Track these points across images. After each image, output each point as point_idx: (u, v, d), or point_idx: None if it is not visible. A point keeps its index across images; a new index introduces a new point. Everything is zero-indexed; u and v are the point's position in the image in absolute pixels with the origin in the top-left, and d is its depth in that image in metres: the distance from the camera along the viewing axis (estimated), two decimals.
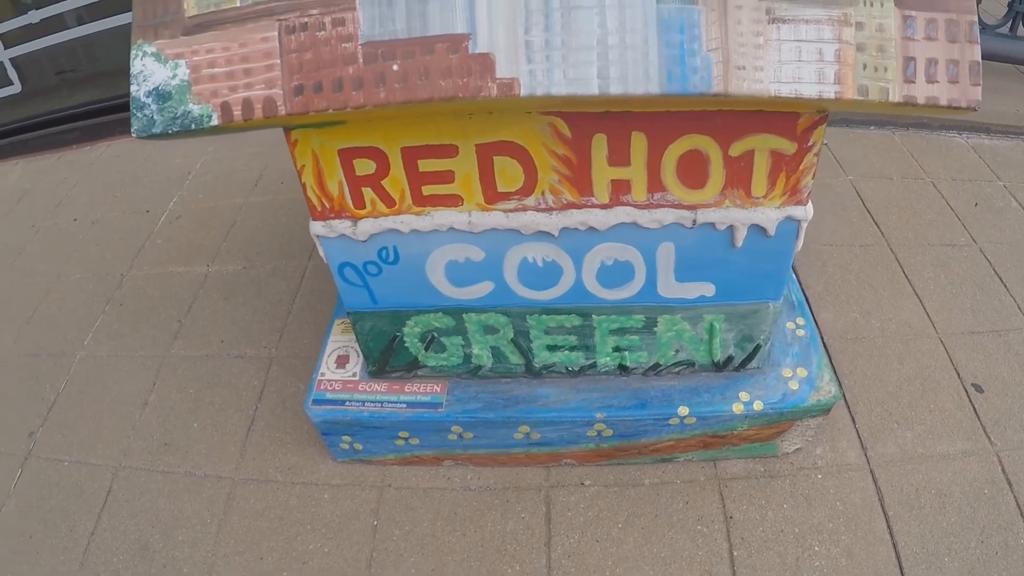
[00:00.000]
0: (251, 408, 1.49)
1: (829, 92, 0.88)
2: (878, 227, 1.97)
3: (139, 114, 0.95)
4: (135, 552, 1.29)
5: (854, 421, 1.52)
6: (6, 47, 2.58)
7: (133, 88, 0.95)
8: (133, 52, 0.95)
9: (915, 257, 1.89)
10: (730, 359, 1.34)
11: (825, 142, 2.31)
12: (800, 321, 1.45)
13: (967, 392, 1.59)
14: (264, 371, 1.55)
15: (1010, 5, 2.57)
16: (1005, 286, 1.84)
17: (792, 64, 0.88)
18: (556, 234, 1.13)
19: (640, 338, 1.29)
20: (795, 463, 1.44)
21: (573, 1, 0.87)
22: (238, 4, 0.94)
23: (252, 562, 1.26)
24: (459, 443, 1.35)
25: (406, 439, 1.35)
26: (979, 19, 2.44)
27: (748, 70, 0.88)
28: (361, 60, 0.91)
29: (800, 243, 1.17)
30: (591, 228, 1.12)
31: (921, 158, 2.28)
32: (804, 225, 1.15)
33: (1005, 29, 2.58)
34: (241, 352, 1.58)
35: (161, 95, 0.95)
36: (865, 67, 0.88)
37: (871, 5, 0.87)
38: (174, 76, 0.95)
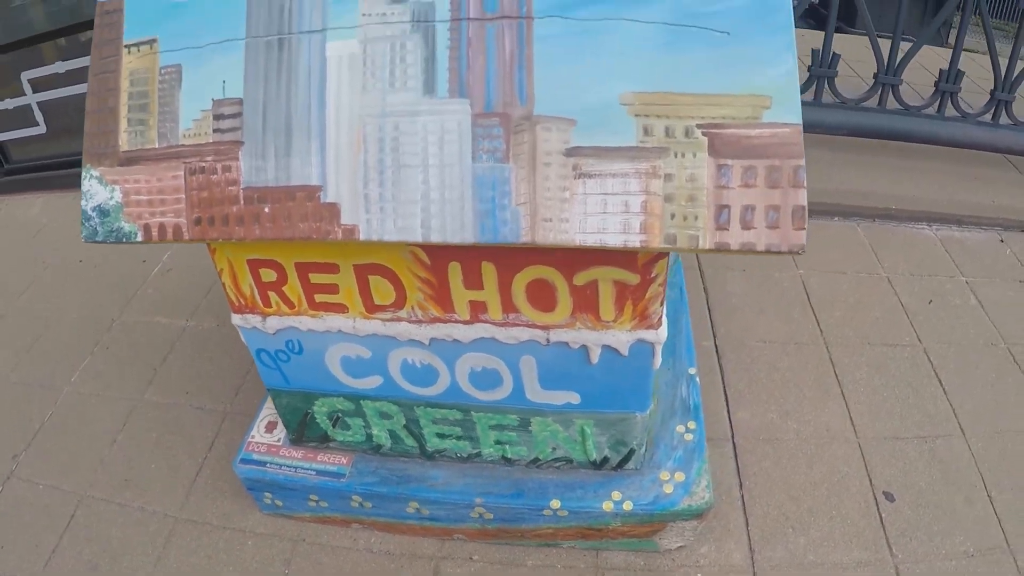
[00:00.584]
0: (201, 456, 1.67)
1: (634, 241, 0.96)
2: (818, 324, 1.98)
3: (86, 224, 1.14)
4: (85, 571, 1.48)
5: (747, 523, 1.54)
6: (35, 91, 2.97)
7: (83, 202, 1.14)
8: (83, 173, 1.14)
9: (851, 357, 1.89)
10: (606, 459, 1.41)
11: None
12: (691, 425, 1.51)
13: (876, 500, 1.59)
14: (218, 424, 1.74)
15: (992, 93, 2.51)
16: (943, 389, 1.82)
17: (597, 216, 0.96)
18: (427, 343, 1.25)
19: (517, 435, 1.39)
20: (676, 560, 1.48)
21: (402, 160, 1.00)
22: (156, 146, 1.12)
23: None
24: (361, 510, 1.48)
25: (316, 502, 1.49)
26: (960, 107, 2.42)
27: (554, 221, 0.98)
28: (242, 202, 1.07)
29: (658, 362, 1.25)
30: (456, 340, 1.24)
31: (881, 251, 2.26)
32: (658, 347, 1.22)
33: (987, 117, 2.53)
34: (201, 404, 1.77)
35: (102, 211, 1.14)
36: (673, 216, 0.94)
37: (682, 156, 0.93)
38: (111, 198, 1.14)
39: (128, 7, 1.10)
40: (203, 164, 1.09)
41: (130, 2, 1.10)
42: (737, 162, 0.93)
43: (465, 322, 1.22)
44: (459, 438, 1.42)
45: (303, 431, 1.49)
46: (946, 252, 2.27)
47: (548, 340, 1.21)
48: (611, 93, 0.93)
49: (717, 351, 1.88)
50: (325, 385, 1.38)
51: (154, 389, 1.84)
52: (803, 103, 2.65)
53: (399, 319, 1.24)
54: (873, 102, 2.59)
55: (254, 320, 1.30)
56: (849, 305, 2.04)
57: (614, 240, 0.96)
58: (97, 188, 1.14)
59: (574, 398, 1.30)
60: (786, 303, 2.05)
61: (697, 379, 1.59)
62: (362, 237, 1.03)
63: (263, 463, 1.48)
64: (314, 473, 1.46)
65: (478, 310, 1.20)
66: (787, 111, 0.92)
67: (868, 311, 2.02)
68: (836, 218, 2.42)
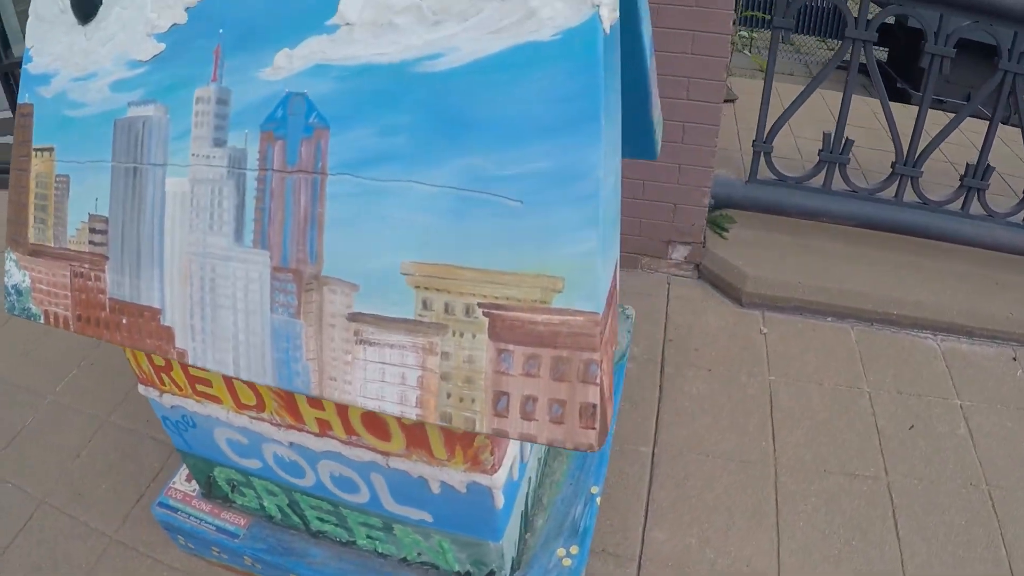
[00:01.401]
0: (145, 485, 1.80)
1: (410, 414, 0.93)
2: (774, 442, 1.79)
3: (7, 298, 1.25)
4: (29, 572, 1.65)
5: None
6: None
7: (5, 279, 1.26)
8: (6, 254, 1.26)
9: (800, 484, 1.70)
10: (469, 573, 1.38)
11: (764, 331, 2.12)
12: (574, 550, 1.42)
13: None
14: (166, 456, 1.86)
15: None
16: (897, 534, 1.59)
17: (376, 383, 0.93)
18: (287, 444, 1.27)
19: (385, 535, 1.38)
20: None
21: (218, 300, 1.01)
22: (52, 245, 1.21)
23: None
24: (253, 569, 1.54)
25: (217, 552, 1.57)
26: (987, 205, 2.06)
27: (339, 381, 0.96)
28: (107, 309, 1.13)
29: (500, 502, 1.20)
30: (310, 448, 1.25)
31: (871, 361, 2.00)
32: (496, 491, 1.17)
33: (1019, 218, 2.15)
34: (155, 435, 1.90)
35: (18, 291, 1.24)
36: (449, 396, 0.89)
37: (461, 336, 0.88)
38: (24, 280, 1.24)
39: (36, 114, 1.18)
40: (82, 270, 1.15)
41: (38, 110, 1.18)
42: (519, 348, 0.86)
43: (315, 435, 1.22)
44: (336, 525, 1.43)
45: (210, 489, 1.56)
46: (946, 368, 1.98)
47: (388, 465, 1.19)
48: (393, 261, 0.89)
49: (653, 459, 1.76)
50: (218, 457, 1.43)
51: (120, 412, 1.99)
52: (811, 188, 2.41)
53: (263, 419, 1.26)
54: (889, 192, 2.30)
55: (154, 393, 1.38)
56: (816, 423, 1.83)
57: (392, 409, 0.93)
58: (14, 270, 1.24)
59: (427, 517, 1.28)
60: (744, 412, 1.88)
61: (597, 500, 1.50)
62: (190, 361, 1.05)
63: (176, 510, 1.57)
64: (214, 529, 1.53)
65: (325, 427, 1.20)
66: (582, 297, 0.82)
67: (836, 432, 1.81)
68: (829, 318, 2.18)
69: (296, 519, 1.47)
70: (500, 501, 1.17)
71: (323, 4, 0.89)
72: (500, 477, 1.14)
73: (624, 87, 1.46)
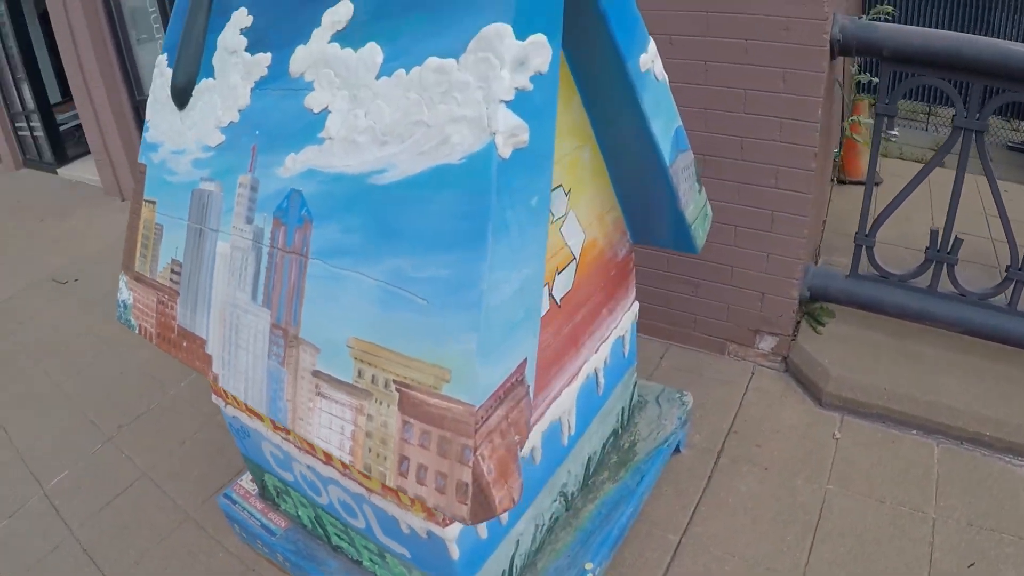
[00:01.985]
0: (227, 479, 2.19)
1: (346, 459, 1.16)
2: (809, 556, 1.71)
3: (117, 308, 1.66)
4: (116, 529, 2.09)
5: None
6: None
7: (119, 293, 1.66)
8: (121, 275, 1.65)
9: None
10: None
11: (838, 435, 2.02)
12: None
13: None
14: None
15: None
16: None
17: (327, 429, 1.19)
18: (305, 466, 1.53)
19: (380, 561, 1.58)
20: None
21: (239, 342, 1.31)
22: (148, 275, 1.58)
23: None
24: (285, 565, 1.83)
25: (260, 545, 1.88)
26: None
27: (304, 422, 1.22)
28: (176, 333, 1.48)
29: (455, 553, 1.34)
30: (319, 472, 1.49)
31: (947, 485, 1.82)
32: (450, 544, 1.32)
33: None
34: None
35: (125, 305, 1.67)
36: (370, 450, 1.14)
37: (380, 403, 1.11)
38: (128, 298, 1.67)
39: (148, 173, 1.59)
40: (163, 299, 1.53)
41: (149, 170, 1.58)
42: (417, 423, 1.05)
43: (323, 461, 1.47)
44: (348, 544, 1.66)
45: (263, 490, 1.88)
46: None
47: (371, 499, 1.40)
48: (343, 335, 1.12)
49: (677, 548, 1.78)
50: (265, 465, 1.75)
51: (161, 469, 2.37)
52: (915, 288, 2.22)
53: (289, 441, 1.53)
54: (1001, 299, 2.05)
55: (221, 403, 1.72)
56: (862, 543, 1.73)
57: (335, 452, 1.16)
58: (124, 289, 1.67)
59: (406, 552, 1.47)
60: (789, 519, 1.82)
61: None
62: (220, 384, 1.37)
63: (235, 503, 1.93)
64: (259, 525, 1.85)
65: (328, 455, 1.44)
66: (463, 389, 1.01)
67: (881, 557, 1.69)
68: (914, 431, 2.01)
69: (320, 531, 1.74)
70: (455, 552, 1.34)
71: (319, 119, 1.13)
72: (453, 531, 1.31)
73: (642, 183, 1.55)
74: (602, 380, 1.78)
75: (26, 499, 2.27)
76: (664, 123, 1.47)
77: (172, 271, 1.53)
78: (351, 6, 1.12)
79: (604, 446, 1.93)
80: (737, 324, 2.47)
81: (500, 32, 0.92)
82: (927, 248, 2.17)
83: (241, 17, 1.35)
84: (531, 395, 1.06)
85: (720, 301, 2.47)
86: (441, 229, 0.98)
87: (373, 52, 1.07)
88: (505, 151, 0.93)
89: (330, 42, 1.14)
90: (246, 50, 1.32)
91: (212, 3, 1.44)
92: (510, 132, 0.94)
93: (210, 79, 1.41)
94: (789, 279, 2.30)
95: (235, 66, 1.33)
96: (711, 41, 2.12)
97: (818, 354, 2.27)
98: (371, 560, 1.67)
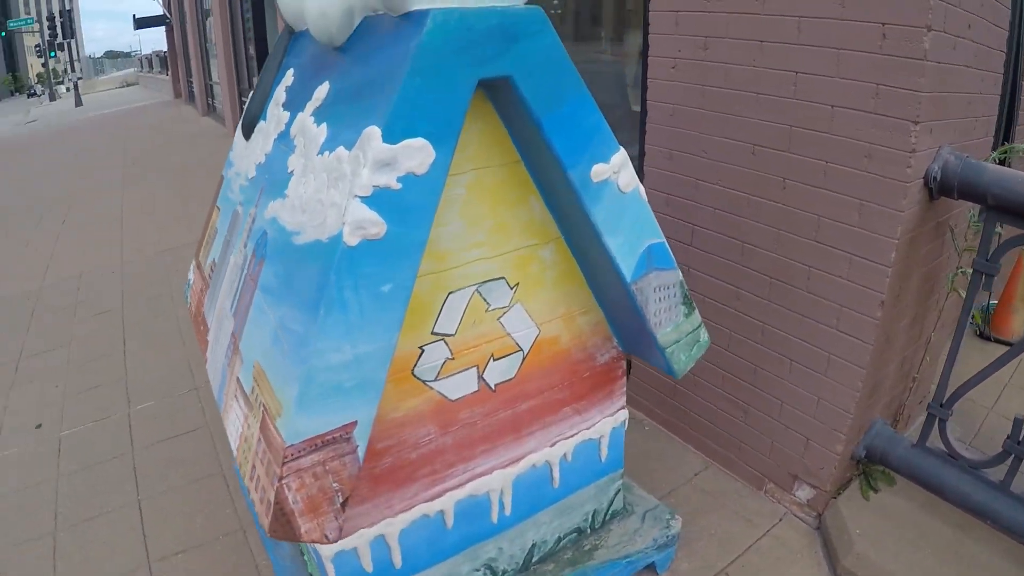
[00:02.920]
0: None
1: (235, 453, 1.41)
2: None
3: (185, 286, 2.11)
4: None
5: None
6: None
7: (188, 274, 2.12)
8: (193, 260, 2.11)
9: None
10: None
11: None
12: None
13: None
14: None
15: None
16: None
17: (233, 425, 1.44)
18: None
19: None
20: None
21: (219, 339, 1.63)
22: (203, 265, 1.99)
23: None
24: None
25: None
26: None
27: (226, 416, 1.48)
28: (201, 316, 1.86)
29: (331, 572, 1.54)
30: None
31: None
32: (326, 561, 1.53)
33: None
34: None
35: (188, 284, 2.09)
36: (243, 453, 1.36)
37: (254, 417, 1.32)
38: (191, 280, 2.08)
39: (222, 184, 1.98)
40: (202, 288, 1.94)
41: (223, 183, 1.96)
42: (263, 441, 1.30)
43: None
44: None
45: None
46: None
47: None
48: (253, 355, 1.42)
49: None
50: None
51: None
52: (985, 480, 1.96)
53: None
54: None
55: None
56: None
57: (232, 445, 1.43)
58: (192, 270, 2.10)
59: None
60: None
61: None
62: (207, 367, 1.70)
63: None
64: None
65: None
66: (283, 425, 1.22)
67: None
68: None
69: None
70: (331, 571, 1.51)
71: (288, 178, 1.41)
72: (329, 549, 1.48)
73: (608, 295, 1.64)
74: (556, 475, 1.82)
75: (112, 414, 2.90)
76: (627, 239, 1.49)
77: (211, 268, 1.92)
78: (328, 86, 1.39)
79: (560, 539, 1.94)
80: (778, 463, 2.33)
81: (371, 134, 1.11)
82: (1007, 437, 1.90)
83: (288, 77, 1.69)
84: (360, 455, 1.23)
85: (765, 435, 2.35)
86: (307, 292, 1.19)
87: (321, 131, 1.32)
88: (351, 240, 1.12)
89: (310, 115, 1.42)
90: (282, 106, 1.65)
91: (284, 57, 1.80)
92: (357, 224, 1.12)
93: (263, 122, 1.77)
94: (835, 431, 2.11)
95: (273, 118, 1.67)
96: (792, 158, 2.03)
97: (851, 521, 2.07)
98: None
